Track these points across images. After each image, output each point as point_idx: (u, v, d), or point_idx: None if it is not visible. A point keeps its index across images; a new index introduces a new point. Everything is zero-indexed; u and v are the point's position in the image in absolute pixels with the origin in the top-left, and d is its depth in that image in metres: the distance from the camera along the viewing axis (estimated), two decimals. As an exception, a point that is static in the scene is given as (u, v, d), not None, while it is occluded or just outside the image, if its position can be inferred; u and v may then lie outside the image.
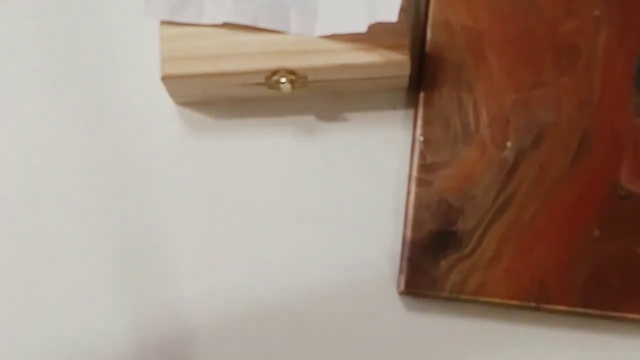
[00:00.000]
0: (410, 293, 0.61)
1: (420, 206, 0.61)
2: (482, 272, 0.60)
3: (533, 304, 0.60)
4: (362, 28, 0.60)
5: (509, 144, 0.62)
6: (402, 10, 0.60)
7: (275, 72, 0.61)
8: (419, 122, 0.63)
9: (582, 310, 0.60)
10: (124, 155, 0.65)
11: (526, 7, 0.64)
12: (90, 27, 0.68)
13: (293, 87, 0.62)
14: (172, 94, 0.64)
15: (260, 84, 0.63)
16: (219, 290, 0.63)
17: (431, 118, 0.63)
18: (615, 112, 0.62)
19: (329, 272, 0.63)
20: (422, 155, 0.62)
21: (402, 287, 0.61)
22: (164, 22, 0.62)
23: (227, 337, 0.62)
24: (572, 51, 0.63)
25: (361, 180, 0.64)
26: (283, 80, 0.61)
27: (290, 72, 0.61)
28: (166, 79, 0.61)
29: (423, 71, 0.64)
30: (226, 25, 0.62)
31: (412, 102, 0.65)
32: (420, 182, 0.62)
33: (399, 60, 0.61)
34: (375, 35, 0.61)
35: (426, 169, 0.62)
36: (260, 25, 0.61)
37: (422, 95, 0.63)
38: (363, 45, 0.61)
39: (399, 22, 0.60)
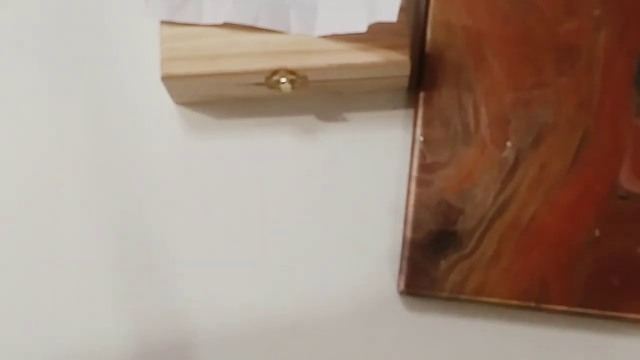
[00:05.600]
0: (410, 293, 0.61)
1: (420, 206, 0.61)
2: (482, 272, 0.60)
3: (533, 304, 0.60)
4: (362, 28, 0.60)
5: (509, 144, 0.62)
6: (402, 10, 0.60)
7: (275, 72, 0.61)
8: (419, 122, 0.63)
9: (582, 310, 0.60)
10: (124, 155, 0.65)
11: (526, 7, 0.64)
12: (90, 27, 0.68)
13: (293, 87, 0.62)
14: (172, 94, 0.64)
15: (260, 84, 0.63)
16: (218, 289, 0.63)
17: (431, 118, 0.63)
18: (615, 112, 0.62)
19: (329, 272, 0.63)
20: (422, 155, 0.62)
21: (402, 287, 0.61)
22: (164, 22, 0.62)
23: (228, 336, 0.62)
24: (572, 51, 0.63)
25: (361, 180, 0.64)
26: (283, 80, 0.61)
27: (290, 72, 0.61)
28: (166, 79, 0.61)
29: (423, 71, 0.64)
30: (226, 25, 0.62)
31: (412, 102, 0.65)
32: (420, 182, 0.62)
33: (399, 60, 0.61)
34: (375, 35, 0.61)
35: (426, 169, 0.62)
36: (260, 25, 0.61)
37: (422, 95, 0.63)
38: (363, 45, 0.61)
39: (399, 22, 0.60)
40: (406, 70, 0.62)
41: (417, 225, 0.61)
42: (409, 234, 0.61)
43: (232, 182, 0.65)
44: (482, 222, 0.61)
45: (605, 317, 0.60)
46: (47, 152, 0.66)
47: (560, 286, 0.60)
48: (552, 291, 0.60)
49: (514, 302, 0.60)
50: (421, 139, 0.63)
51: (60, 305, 0.63)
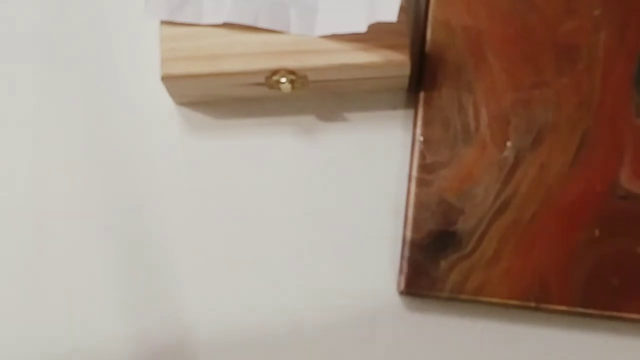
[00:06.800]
0: (410, 293, 0.61)
1: (420, 206, 0.61)
2: (482, 272, 0.60)
3: (533, 304, 0.60)
4: (362, 28, 0.60)
5: (509, 144, 0.62)
6: (402, 10, 0.60)
7: (275, 72, 0.61)
8: (419, 122, 0.63)
9: (582, 310, 0.60)
10: (124, 155, 0.65)
11: (526, 7, 0.64)
12: (90, 27, 0.68)
13: (293, 87, 0.62)
14: (172, 94, 0.64)
15: (260, 84, 0.63)
16: (218, 288, 0.63)
17: (431, 118, 0.63)
18: (615, 112, 0.62)
19: (329, 272, 0.63)
20: (422, 155, 0.62)
21: (402, 287, 0.61)
22: (164, 22, 0.62)
23: (228, 336, 0.62)
24: (572, 51, 0.63)
25: (361, 180, 0.64)
26: (283, 80, 0.61)
27: (290, 72, 0.61)
28: (166, 79, 0.62)
29: (423, 71, 0.64)
30: (226, 25, 0.62)
31: (412, 102, 0.65)
32: (420, 182, 0.62)
33: (399, 60, 0.61)
34: (375, 35, 0.61)
35: (426, 169, 0.62)
36: (260, 25, 0.61)
37: (422, 95, 0.63)
38: (363, 45, 0.61)
39: (399, 22, 0.60)
40: (406, 70, 0.62)
41: (417, 225, 0.61)
42: (409, 234, 0.61)
43: (232, 182, 0.65)
44: (482, 222, 0.61)
45: (605, 317, 0.60)
46: (47, 152, 0.65)
47: (560, 286, 0.60)
48: (552, 291, 0.60)
49: (514, 302, 0.60)
50: (421, 139, 0.63)
51: (60, 305, 0.63)
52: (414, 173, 0.62)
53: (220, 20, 0.62)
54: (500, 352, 0.61)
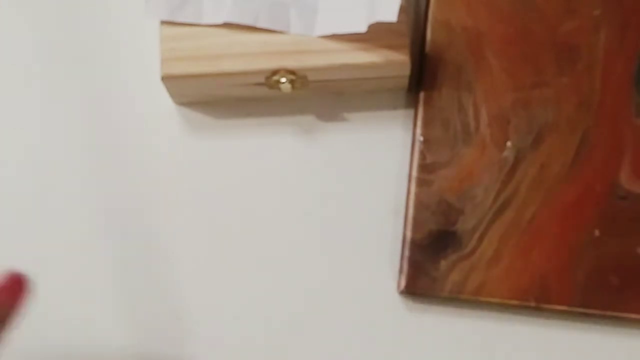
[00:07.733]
0: (410, 293, 0.61)
1: (420, 206, 0.61)
2: (482, 272, 0.60)
3: (533, 304, 0.60)
4: (362, 28, 0.60)
5: (509, 144, 0.62)
6: (402, 10, 0.60)
7: (275, 72, 0.61)
8: (419, 122, 0.63)
9: (582, 310, 0.60)
10: (123, 155, 0.65)
11: (526, 7, 0.64)
12: (90, 27, 0.68)
13: (293, 87, 0.62)
14: (172, 94, 0.64)
15: (260, 84, 0.63)
16: (218, 289, 0.63)
17: (431, 118, 0.63)
18: (615, 112, 0.62)
19: (328, 272, 0.63)
20: (422, 155, 0.62)
21: (402, 287, 0.61)
22: (164, 22, 0.62)
23: (227, 336, 0.62)
24: (572, 51, 0.63)
25: (361, 181, 0.64)
26: (283, 80, 0.61)
27: (290, 72, 0.61)
28: (166, 79, 0.62)
29: (423, 71, 0.64)
30: (226, 25, 0.62)
31: (412, 102, 0.65)
32: (420, 182, 0.62)
33: (399, 60, 0.61)
34: (375, 35, 0.61)
35: (426, 169, 0.62)
36: (260, 25, 0.61)
37: (422, 95, 0.63)
38: (363, 45, 0.61)
39: (399, 22, 0.60)
40: (406, 70, 0.62)
41: (417, 225, 0.61)
42: (409, 234, 0.61)
43: (232, 182, 0.65)
44: (482, 222, 0.61)
45: (605, 317, 0.60)
46: (47, 152, 0.65)
47: (560, 286, 0.60)
48: (552, 291, 0.60)
49: (514, 302, 0.60)
50: (421, 139, 0.63)
51: (60, 305, 0.63)
52: (414, 173, 0.62)
53: (220, 20, 0.62)
54: (500, 352, 0.61)
